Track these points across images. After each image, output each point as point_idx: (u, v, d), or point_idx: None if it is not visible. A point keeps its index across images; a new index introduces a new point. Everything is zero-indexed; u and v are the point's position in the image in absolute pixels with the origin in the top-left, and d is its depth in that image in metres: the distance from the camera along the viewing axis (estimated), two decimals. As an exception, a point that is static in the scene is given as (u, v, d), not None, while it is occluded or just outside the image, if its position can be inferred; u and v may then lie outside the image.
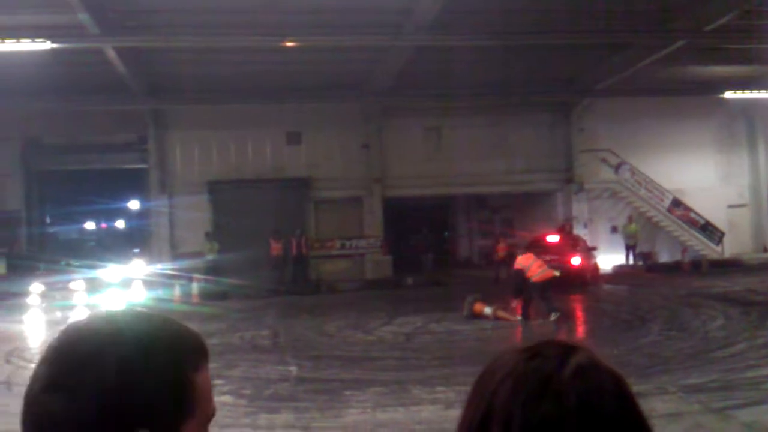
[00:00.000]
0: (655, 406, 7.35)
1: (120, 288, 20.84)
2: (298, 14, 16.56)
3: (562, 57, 21.56)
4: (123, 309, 1.02)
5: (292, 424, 7.40)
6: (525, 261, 14.66)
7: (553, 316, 14.10)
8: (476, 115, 25.45)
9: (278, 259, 23.44)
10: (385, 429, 7.17)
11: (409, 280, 23.56)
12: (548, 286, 14.45)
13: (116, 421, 0.86)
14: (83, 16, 14.96)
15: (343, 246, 25.05)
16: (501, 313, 14.51)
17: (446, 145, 25.73)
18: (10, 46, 15.63)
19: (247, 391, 8.78)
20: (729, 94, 24.37)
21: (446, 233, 34.05)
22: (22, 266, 22.29)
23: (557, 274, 14.84)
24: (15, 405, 1.02)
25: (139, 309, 1.01)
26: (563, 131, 26.62)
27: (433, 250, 28.60)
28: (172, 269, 22.48)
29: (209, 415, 0.96)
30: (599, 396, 0.84)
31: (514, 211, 30.84)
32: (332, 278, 23.80)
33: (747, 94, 24.54)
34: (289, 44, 17.59)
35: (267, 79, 21.82)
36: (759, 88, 24.75)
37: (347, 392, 8.54)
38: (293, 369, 10.14)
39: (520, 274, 14.55)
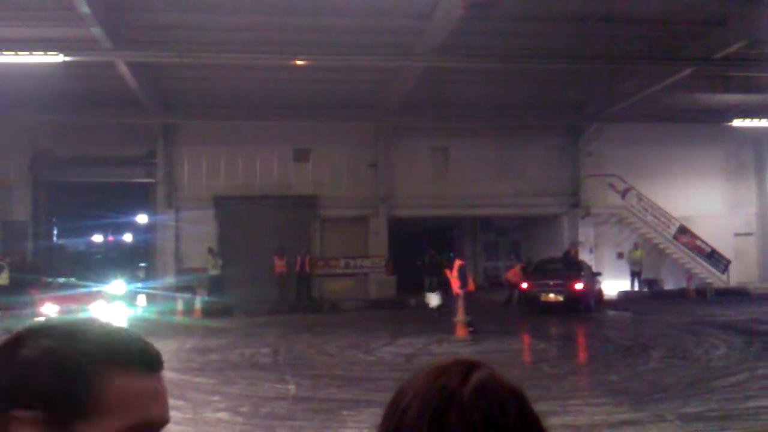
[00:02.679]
0: (652, 434, 7.32)
1: (124, 301, 20.81)
2: (308, 33, 16.73)
3: (571, 82, 21.65)
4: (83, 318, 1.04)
5: (288, 443, 7.39)
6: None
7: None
8: (483, 136, 25.52)
9: (282, 277, 23.43)
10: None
11: (413, 301, 23.50)
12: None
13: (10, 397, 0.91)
14: (96, 30, 15.16)
15: (347, 265, 25.03)
16: None
17: (453, 166, 25.76)
18: (23, 58, 15.79)
19: (245, 409, 8.76)
20: (737, 122, 24.34)
21: (451, 255, 33.94)
22: (24, 279, 22.03)
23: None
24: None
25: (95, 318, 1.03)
26: (571, 155, 26.62)
27: (437, 271, 28.47)
28: (177, 283, 22.50)
29: (145, 421, 0.95)
30: (501, 411, 0.88)
31: (520, 233, 30.81)
32: (335, 297, 23.77)
33: (755, 123, 24.51)
34: (300, 63, 17.73)
35: (276, 96, 21.97)
36: (767, 116, 24.75)
37: (344, 412, 8.52)
38: (291, 387, 10.12)
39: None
